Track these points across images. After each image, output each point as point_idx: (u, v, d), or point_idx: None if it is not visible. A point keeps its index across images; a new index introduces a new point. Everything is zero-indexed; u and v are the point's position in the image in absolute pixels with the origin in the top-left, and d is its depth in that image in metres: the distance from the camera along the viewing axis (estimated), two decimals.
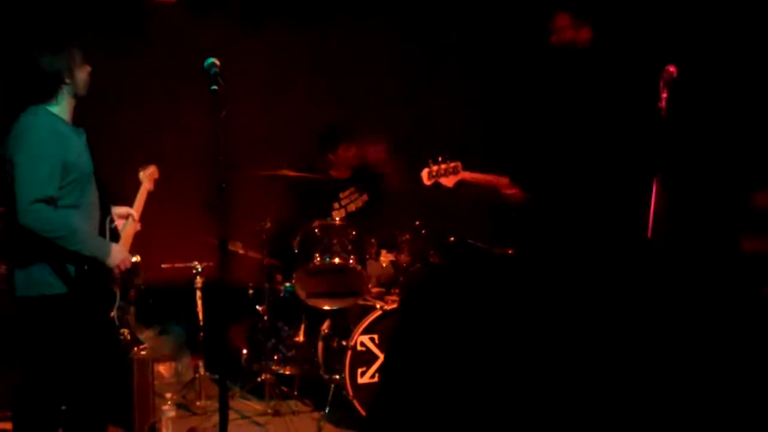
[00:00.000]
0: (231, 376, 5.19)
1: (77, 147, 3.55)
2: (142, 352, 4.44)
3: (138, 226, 4.02)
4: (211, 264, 5.07)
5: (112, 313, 3.79)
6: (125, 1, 5.56)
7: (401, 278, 4.94)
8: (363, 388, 4.57)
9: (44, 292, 3.44)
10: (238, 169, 4.48)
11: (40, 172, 3.31)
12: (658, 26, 4.80)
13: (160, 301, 5.11)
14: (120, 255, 3.63)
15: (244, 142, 3.88)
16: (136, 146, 5.36)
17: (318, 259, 4.77)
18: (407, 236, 4.98)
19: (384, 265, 5.17)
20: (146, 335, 5.10)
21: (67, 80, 3.53)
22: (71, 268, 3.47)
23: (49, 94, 3.48)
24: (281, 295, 5.16)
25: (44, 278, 3.45)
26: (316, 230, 4.87)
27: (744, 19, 4.60)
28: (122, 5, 5.55)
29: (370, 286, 4.94)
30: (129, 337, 4.56)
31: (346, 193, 5.63)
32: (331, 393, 4.81)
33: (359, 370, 4.59)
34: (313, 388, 5.10)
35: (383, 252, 5.16)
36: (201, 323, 5.07)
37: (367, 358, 4.61)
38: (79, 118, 3.65)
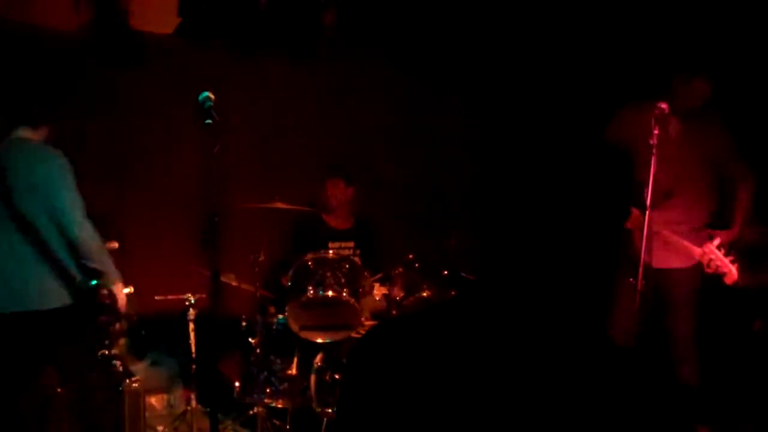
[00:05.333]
0: (223, 409, 5.14)
1: None
2: (134, 384, 4.42)
3: None
4: (204, 296, 5.05)
5: None
6: (121, 33, 5.59)
7: (394, 311, 4.93)
8: None
9: None
10: (232, 202, 4.49)
11: None
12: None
13: (152, 333, 5.09)
14: None
15: (238, 175, 3.90)
16: (129, 177, 5.38)
17: (311, 291, 4.76)
18: (400, 269, 4.99)
19: (377, 298, 5.15)
20: (138, 367, 5.06)
21: None
22: None
23: None
24: (274, 327, 5.13)
25: None
26: (310, 263, 4.86)
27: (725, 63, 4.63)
28: (118, 37, 5.59)
29: (363, 319, 4.93)
30: (121, 368, 4.55)
31: (344, 244, 5.63)
32: (323, 426, 4.78)
33: None
34: (306, 421, 5.06)
35: (376, 285, 5.15)
36: (193, 355, 5.04)
37: None
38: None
